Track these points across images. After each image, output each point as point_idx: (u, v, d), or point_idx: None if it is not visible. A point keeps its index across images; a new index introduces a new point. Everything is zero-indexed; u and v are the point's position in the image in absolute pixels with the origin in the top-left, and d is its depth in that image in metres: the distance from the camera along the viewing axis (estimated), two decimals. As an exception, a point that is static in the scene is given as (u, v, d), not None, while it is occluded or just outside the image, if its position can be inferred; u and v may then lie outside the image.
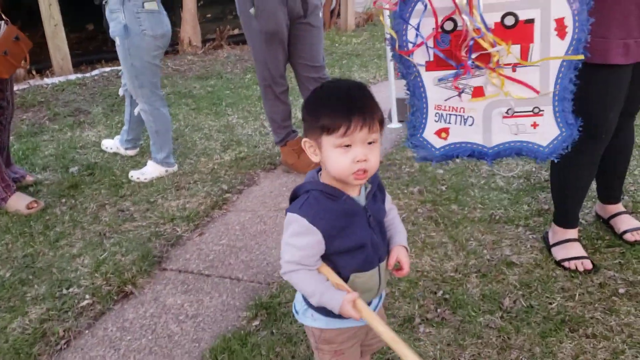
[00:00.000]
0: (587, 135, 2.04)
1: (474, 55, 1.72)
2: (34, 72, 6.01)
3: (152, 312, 2.28)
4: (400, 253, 1.40)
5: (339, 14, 8.54)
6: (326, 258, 1.31)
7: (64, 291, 2.42)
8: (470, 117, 1.82)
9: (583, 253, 2.27)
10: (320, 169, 1.35)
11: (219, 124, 4.34)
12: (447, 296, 2.16)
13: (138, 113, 3.48)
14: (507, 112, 1.77)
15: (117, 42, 3.17)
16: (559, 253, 2.29)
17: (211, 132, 4.19)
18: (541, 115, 1.77)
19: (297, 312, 1.47)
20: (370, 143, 1.25)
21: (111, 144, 3.91)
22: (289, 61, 3.33)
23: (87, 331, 2.19)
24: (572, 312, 2.01)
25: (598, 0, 1.83)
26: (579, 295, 2.09)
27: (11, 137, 3.44)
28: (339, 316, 1.33)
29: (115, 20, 3.14)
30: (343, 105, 1.22)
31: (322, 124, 1.23)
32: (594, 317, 1.97)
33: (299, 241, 1.27)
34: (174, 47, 7.04)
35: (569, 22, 1.69)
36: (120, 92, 3.74)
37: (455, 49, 1.73)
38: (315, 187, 1.30)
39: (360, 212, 1.32)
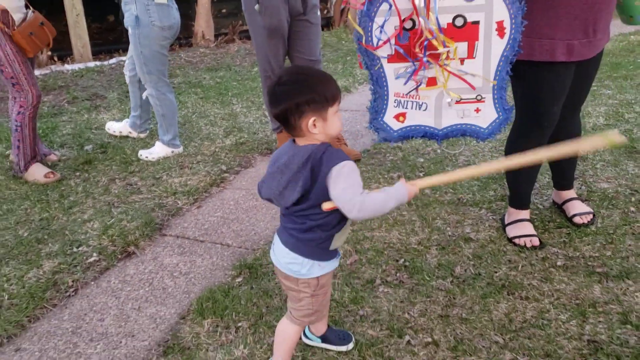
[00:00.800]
0: (533, 124, 2.34)
1: (427, 53, 2.02)
2: (55, 59, 6.39)
3: (150, 269, 2.59)
4: None
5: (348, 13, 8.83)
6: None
7: (75, 249, 2.74)
8: (425, 103, 2.12)
9: (533, 232, 2.54)
10: (293, 142, 1.63)
11: (223, 112, 4.66)
12: (407, 264, 2.45)
13: (146, 97, 3.80)
14: (449, 103, 2.07)
15: (129, 31, 3.51)
16: (511, 231, 2.57)
17: (216, 119, 4.51)
18: (483, 101, 2.07)
19: (302, 273, 1.67)
20: None
21: (119, 127, 4.20)
22: (288, 55, 3.62)
23: (92, 282, 2.51)
24: (513, 279, 2.29)
25: (546, 6, 2.13)
26: (522, 266, 2.37)
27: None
28: (332, 257, 1.69)
29: (128, 11, 3.47)
30: (333, 80, 1.58)
31: (329, 96, 1.54)
32: (531, 284, 2.26)
33: (355, 178, 1.52)
34: (187, 40, 7.37)
35: (507, 25, 1.98)
36: (127, 79, 4.07)
37: (412, 46, 2.02)
38: (324, 146, 1.56)
39: None
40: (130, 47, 3.79)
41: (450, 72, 2.02)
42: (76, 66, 6.18)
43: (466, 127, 2.13)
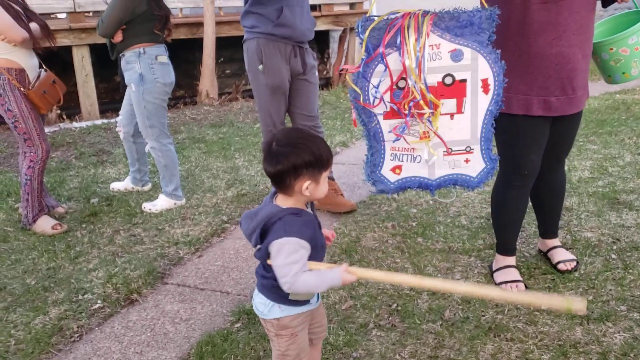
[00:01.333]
0: (514, 171, 2.52)
1: (413, 111, 2.20)
2: (64, 117, 6.63)
3: (152, 316, 2.69)
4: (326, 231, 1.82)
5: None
6: None
7: (80, 297, 2.85)
8: (419, 155, 2.29)
9: (519, 277, 2.66)
10: (273, 199, 1.73)
11: (226, 166, 4.83)
12: (399, 308, 2.56)
13: (148, 151, 3.99)
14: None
15: (132, 88, 3.75)
16: (498, 277, 2.69)
17: (218, 172, 4.68)
18: (472, 152, 2.25)
19: (261, 312, 1.81)
20: None
21: (123, 185, 4.35)
22: (287, 111, 3.82)
23: (97, 328, 2.61)
24: (500, 322, 2.40)
25: (521, 65, 2.32)
26: (508, 310, 2.48)
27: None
28: (297, 303, 1.76)
29: (132, 70, 3.72)
30: (328, 145, 1.69)
31: (325, 161, 1.64)
32: (516, 326, 2.36)
33: (294, 257, 1.60)
34: (192, 98, 7.65)
35: (491, 82, 2.18)
36: (121, 135, 4.27)
37: (403, 104, 2.21)
38: (285, 213, 1.65)
39: (314, 219, 1.75)
40: (124, 104, 4.05)
41: (433, 131, 2.20)
42: (84, 124, 6.41)
43: (457, 176, 2.29)
